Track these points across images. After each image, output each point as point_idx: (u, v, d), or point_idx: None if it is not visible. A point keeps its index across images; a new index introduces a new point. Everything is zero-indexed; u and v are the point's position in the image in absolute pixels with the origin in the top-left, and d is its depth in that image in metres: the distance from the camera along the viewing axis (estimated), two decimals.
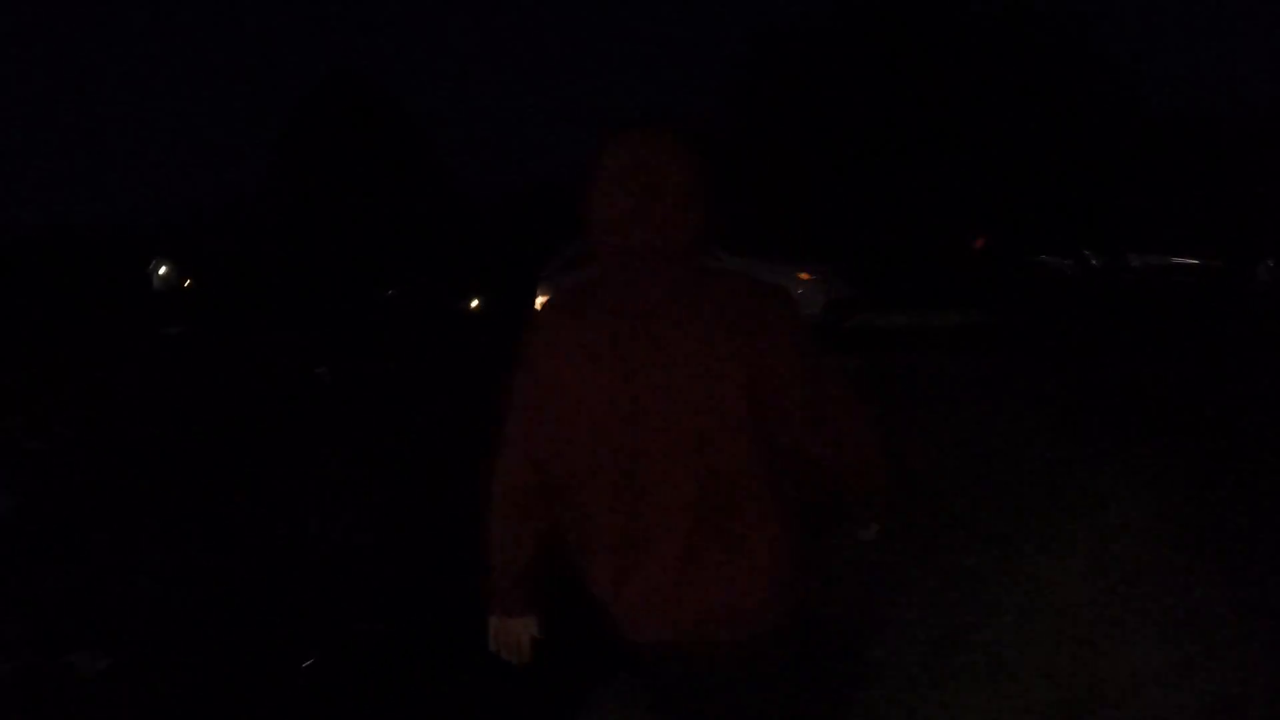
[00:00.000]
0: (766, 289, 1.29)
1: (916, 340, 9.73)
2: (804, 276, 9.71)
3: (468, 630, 1.62)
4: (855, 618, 2.84)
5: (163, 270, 41.97)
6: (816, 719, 1.85)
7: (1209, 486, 4.05)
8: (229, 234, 37.97)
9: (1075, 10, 24.92)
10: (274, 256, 32.33)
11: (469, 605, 1.60)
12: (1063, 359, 7.58)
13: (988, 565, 3.27)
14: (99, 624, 3.07)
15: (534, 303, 10.77)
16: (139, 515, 4.25)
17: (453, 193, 32.68)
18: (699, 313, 1.26)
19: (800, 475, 1.39)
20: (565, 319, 1.35)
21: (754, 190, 25.86)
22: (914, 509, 3.60)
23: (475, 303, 15.02)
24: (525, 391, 1.39)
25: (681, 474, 1.30)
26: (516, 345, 1.39)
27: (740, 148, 28.56)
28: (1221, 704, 2.30)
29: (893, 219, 21.04)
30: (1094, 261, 14.67)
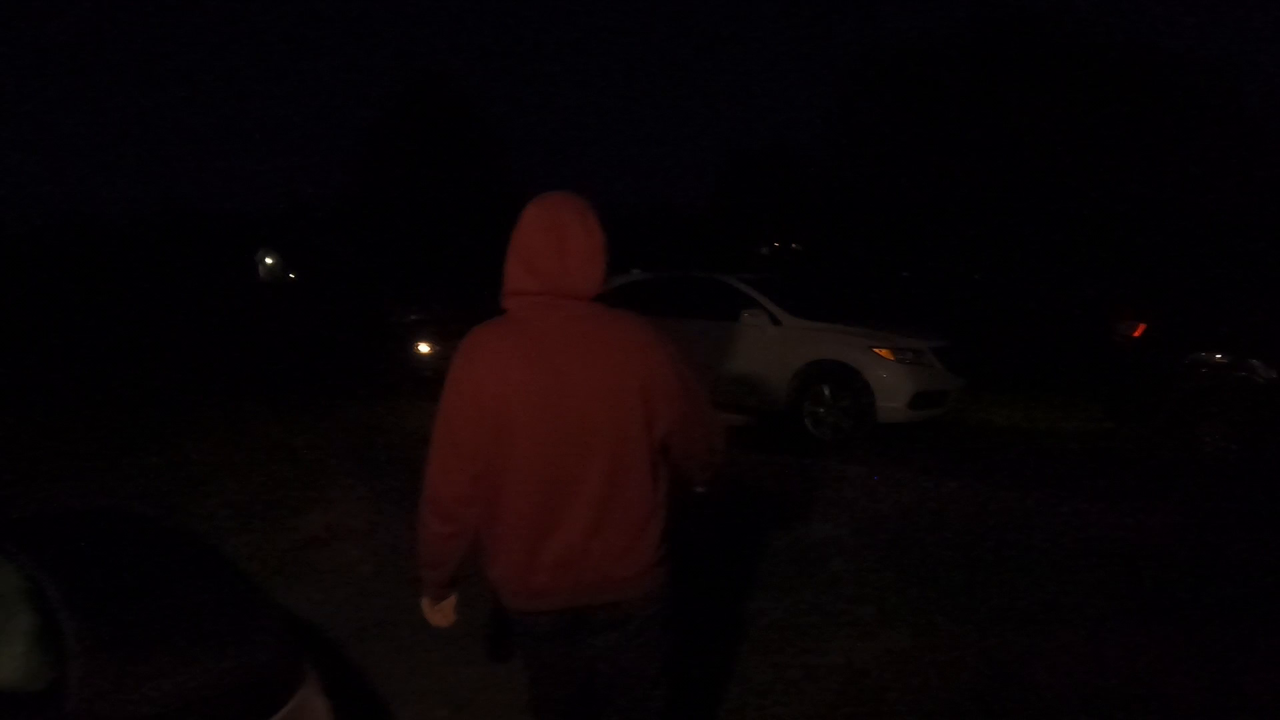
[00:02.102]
0: (649, 322, 1.95)
1: (1018, 449, 7.38)
2: (885, 354, 7.45)
3: None
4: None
5: (268, 261, 42.34)
6: (685, 669, 2.32)
7: None
8: (323, 227, 38.60)
9: (1225, 58, 23.05)
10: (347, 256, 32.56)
11: None
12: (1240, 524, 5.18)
13: None
14: None
15: None
16: None
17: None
18: (604, 338, 1.87)
19: (671, 462, 2.01)
20: (494, 343, 1.87)
21: (825, 237, 23.72)
22: None
23: None
24: (455, 406, 1.88)
25: (592, 467, 1.85)
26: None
27: (834, 184, 27.03)
28: None
29: (1009, 281, 18.60)
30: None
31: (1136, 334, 7.70)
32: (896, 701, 3.33)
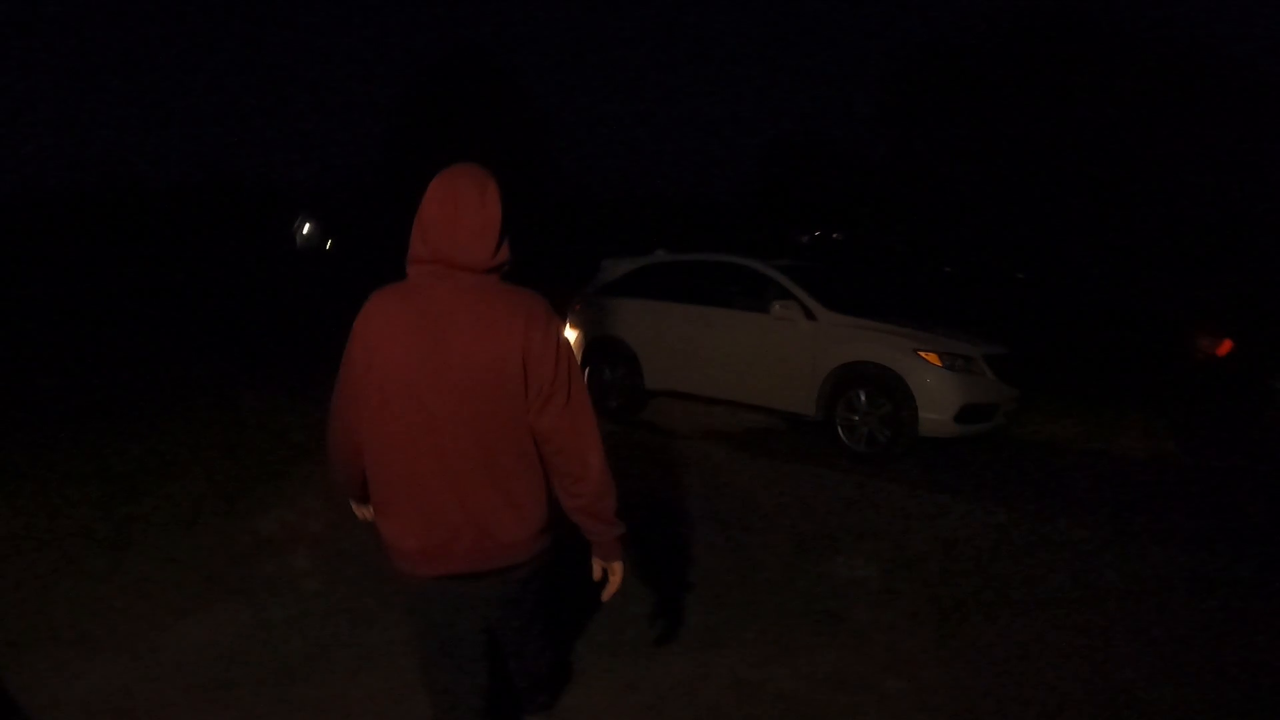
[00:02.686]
0: (538, 297, 2.01)
1: (1078, 472, 6.53)
2: (931, 359, 6.63)
3: None
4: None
5: (306, 229, 42.40)
6: (563, 630, 2.54)
7: None
8: (361, 197, 38.55)
9: None
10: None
11: None
12: None
13: None
14: None
15: (565, 318, 8.40)
16: None
17: (563, 185, 31.84)
18: (489, 310, 1.94)
19: (544, 451, 2.04)
20: (387, 307, 1.96)
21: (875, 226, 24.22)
22: None
23: None
24: (351, 362, 1.99)
25: (468, 431, 1.93)
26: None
27: (878, 175, 26.93)
28: None
29: (1065, 282, 17.53)
30: None
31: (1221, 352, 6.82)
32: None
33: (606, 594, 2.18)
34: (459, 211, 1.98)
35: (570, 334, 8.82)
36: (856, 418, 6.87)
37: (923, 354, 6.69)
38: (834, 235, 36.14)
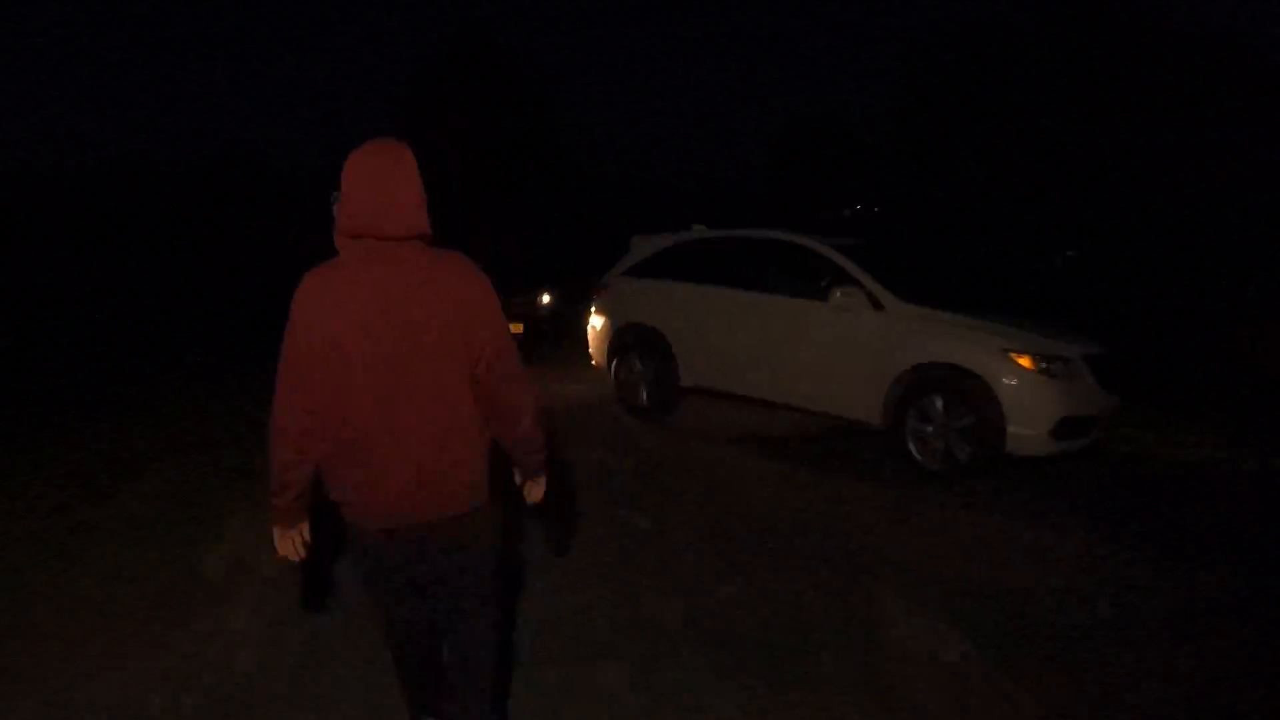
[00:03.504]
0: (472, 264, 2.17)
1: (1200, 499, 5.41)
2: (1023, 362, 5.56)
3: None
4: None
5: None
6: (503, 576, 2.53)
7: None
8: None
9: None
10: None
11: None
12: None
13: None
14: None
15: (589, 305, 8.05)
16: None
17: (572, 166, 32.93)
18: (430, 276, 2.08)
19: (483, 403, 2.20)
20: (323, 285, 2.05)
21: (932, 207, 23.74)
22: None
23: (545, 298, 11.62)
24: (292, 345, 2.05)
25: (410, 390, 2.08)
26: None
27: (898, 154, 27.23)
28: None
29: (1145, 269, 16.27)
30: None
31: None
32: None
33: (534, 496, 2.44)
34: (379, 183, 2.09)
35: (595, 320, 7.84)
36: (930, 429, 5.82)
37: (1014, 355, 5.61)
38: (875, 209, 36.00)
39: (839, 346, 6.17)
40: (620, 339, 7.57)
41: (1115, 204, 21.32)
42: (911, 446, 5.90)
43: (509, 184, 28.91)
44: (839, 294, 6.06)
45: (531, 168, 29.98)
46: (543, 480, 2.43)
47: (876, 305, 6.06)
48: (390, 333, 2.06)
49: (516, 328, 11.18)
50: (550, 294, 11.71)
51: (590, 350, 7.99)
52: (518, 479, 2.44)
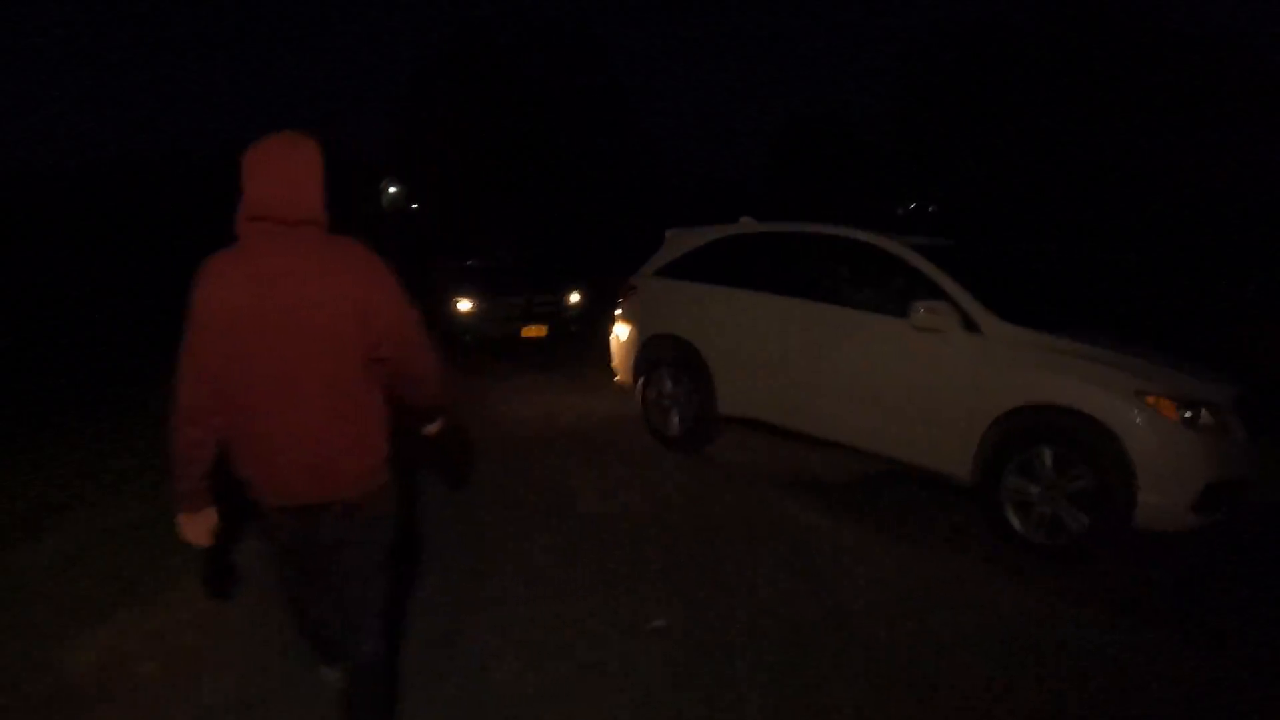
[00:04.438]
0: (361, 244, 2.24)
1: None
2: (1164, 409, 4.31)
3: None
4: None
5: (392, 190, 42.91)
6: (383, 575, 2.47)
7: None
8: (436, 161, 38.82)
9: None
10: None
11: None
12: None
13: None
14: None
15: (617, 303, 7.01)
16: None
17: (571, 167, 32.82)
18: (324, 261, 2.16)
19: (390, 380, 2.33)
20: (222, 268, 2.14)
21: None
22: None
23: (575, 298, 10.56)
24: (193, 326, 2.14)
25: (308, 373, 2.15)
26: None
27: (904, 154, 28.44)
28: None
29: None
30: None
31: None
32: None
33: (430, 430, 2.67)
34: (275, 170, 2.18)
35: (620, 329, 6.71)
36: (1035, 490, 4.59)
37: (1149, 399, 4.35)
38: (930, 208, 35.20)
39: (920, 377, 4.96)
40: (648, 353, 6.44)
41: (1115, 204, 21.75)
42: (1009, 512, 4.67)
43: (508, 184, 29.18)
44: (923, 310, 4.83)
45: (531, 168, 30.21)
46: (441, 420, 2.67)
47: (971, 326, 4.83)
48: (283, 314, 2.13)
49: (540, 330, 10.10)
50: (580, 293, 10.63)
51: (613, 364, 6.87)
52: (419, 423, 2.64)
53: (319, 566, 2.42)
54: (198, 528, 2.29)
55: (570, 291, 10.49)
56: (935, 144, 26.40)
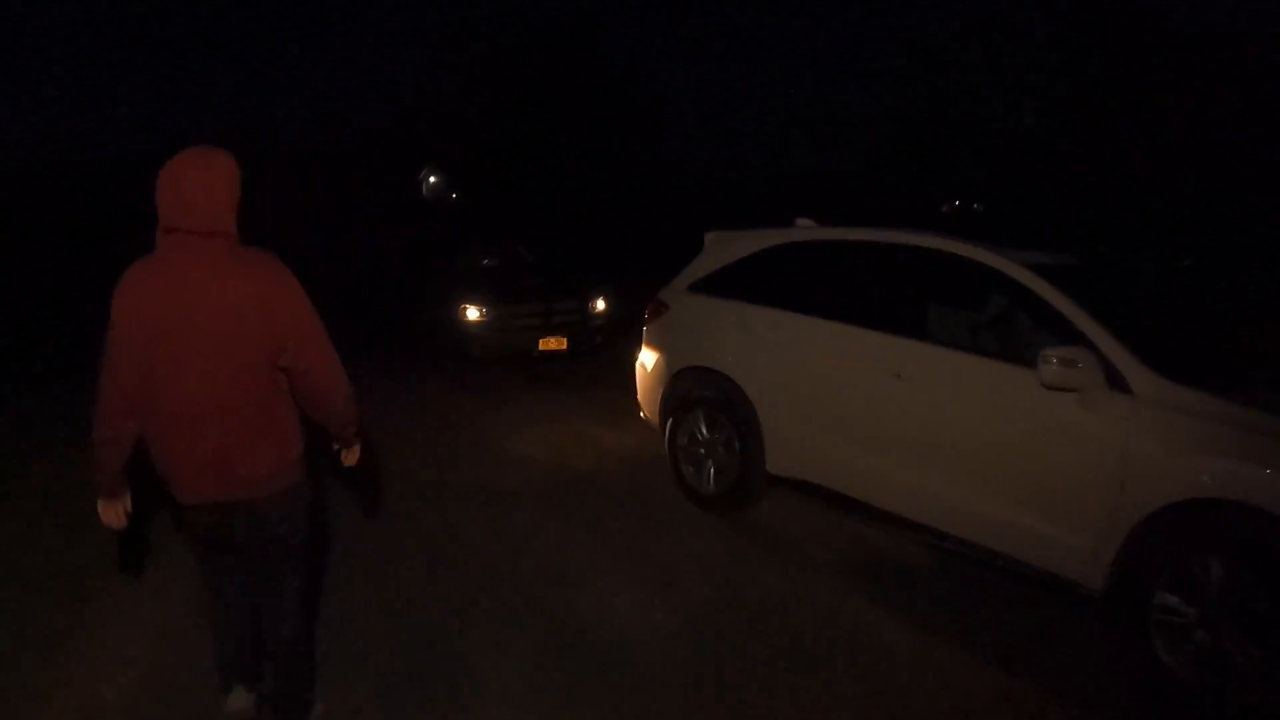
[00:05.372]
0: (270, 255, 2.40)
1: None
2: None
3: None
4: None
5: (432, 179, 43.19)
6: (300, 566, 2.70)
7: None
8: (479, 151, 38.86)
9: None
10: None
11: None
12: None
13: None
14: None
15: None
16: None
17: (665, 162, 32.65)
18: (230, 270, 2.30)
19: (297, 396, 2.46)
20: (138, 277, 2.31)
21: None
22: None
23: (600, 304, 9.50)
24: (114, 332, 2.29)
25: (217, 378, 2.30)
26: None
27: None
28: None
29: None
30: None
31: None
32: None
33: (349, 460, 2.80)
34: (184, 183, 2.32)
35: (647, 356, 5.61)
36: (1194, 613, 3.39)
37: None
38: (974, 205, 33.74)
39: (1044, 449, 3.77)
40: (680, 389, 5.32)
41: (1115, 203, 21.82)
42: (1157, 641, 3.47)
43: (508, 184, 29.07)
44: (1056, 361, 3.60)
45: (531, 168, 29.91)
46: (358, 447, 2.78)
47: (1117, 383, 3.62)
48: (190, 321, 2.28)
49: (559, 343, 9.02)
50: (607, 300, 9.53)
51: (639, 397, 5.76)
52: (335, 446, 2.75)
53: (233, 564, 2.66)
54: (113, 513, 2.51)
55: (596, 298, 9.39)
56: (936, 144, 26.89)
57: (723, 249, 5.51)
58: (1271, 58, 21.92)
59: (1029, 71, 24.50)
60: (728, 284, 5.32)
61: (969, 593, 4.21)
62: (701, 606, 3.94)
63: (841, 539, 4.79)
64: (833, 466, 4.58)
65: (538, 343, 8.88)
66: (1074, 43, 23.46)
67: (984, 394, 3.95)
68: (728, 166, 42.01)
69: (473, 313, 8.77)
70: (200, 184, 2.31)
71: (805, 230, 5.18)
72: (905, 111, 28.76)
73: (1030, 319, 3.94)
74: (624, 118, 31.45)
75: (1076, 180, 23.98)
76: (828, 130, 35.64)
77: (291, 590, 2.65)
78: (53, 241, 24.05)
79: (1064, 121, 25.15)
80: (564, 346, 8.96)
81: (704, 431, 5.19)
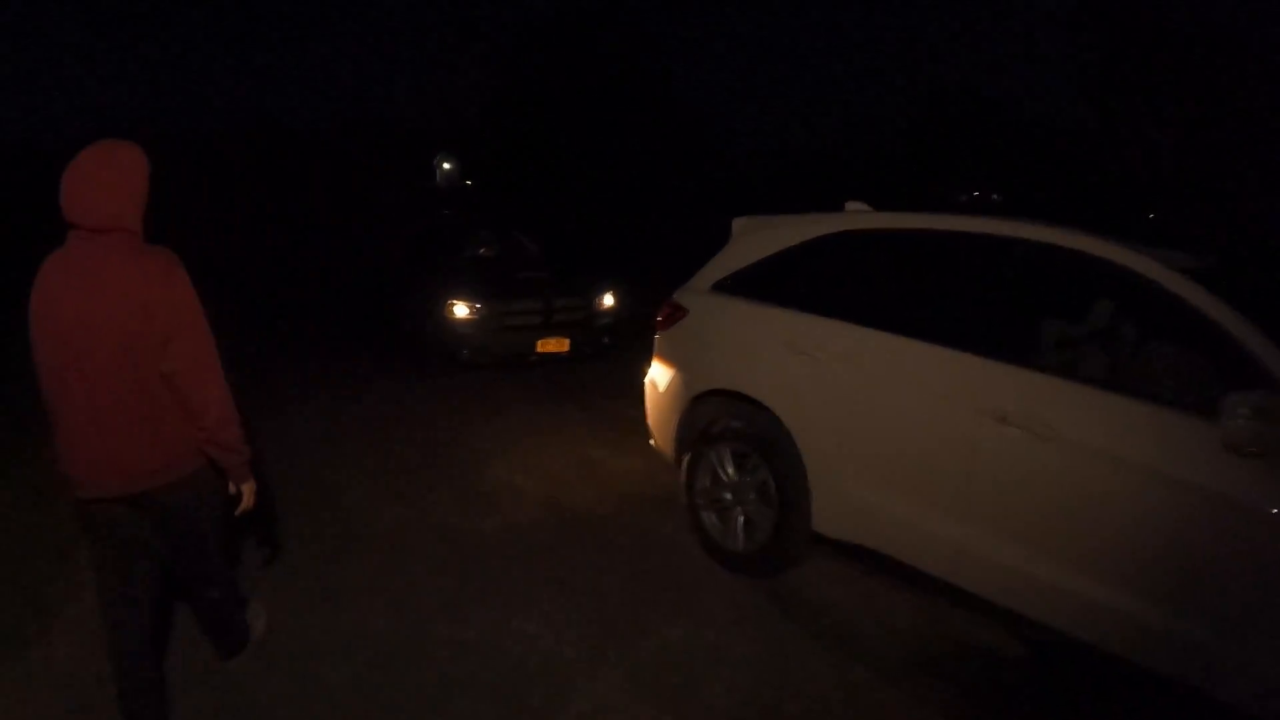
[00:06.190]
0: (165, 253, 2.40)
1: None
2: None
3: None
4: None
5: (446, 166, 43.41)
6: (216, 538, 2.72)
7: None
8: (493, 138, 37.92)
9: None
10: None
11: None
12: None
13: None
14: None
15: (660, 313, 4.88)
16: None
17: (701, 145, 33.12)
18: (121, 265, 2.31)
19: (166, 381, 2.39)
20: (46, 269, 2.35)
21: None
22: None
23: (608, 301, 8.48)
24: (30, 318, 2.33)
25: (108, 372, 2.31)
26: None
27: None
28: None
29: None
30: None
31: None
32: None
33: (240, 510, 2.69)
34: (84, 181, 2.34)
35: (659, 372, 4.59)
36: None
37: None
38: (993, 196, 34.38)
39: (1207, 536, 2.70)
40: (700, 417, 4.28)
41: (1116, 203, 22.51)
42: None
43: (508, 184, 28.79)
44: (1246, 409, 2.55)
45: (532, 168, 29.97)
46: (251, 488, 2.68)
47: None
48: (75, 316, 2.30)
49: (561, 344, 7.99)
50: (615, 296, 8.49)
51: (649, 422, 4.73)
52: (231, 489, 2.66)
53: (127, 557, 2.57)
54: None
55: (603, 294, 8.35)
56: (936, 143, 27.61)
57: (755, 239, 4.45)
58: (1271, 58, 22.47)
59: (1048, 59, 26.34)
60: (762, 284, 4.27)
61: (1086, 698, 3.17)
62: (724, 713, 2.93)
63: (905, 618, 3.75)
64: (902, 535, 3.51)
65: (535, 344, 7.85)
66: (1094, 31, 23.90)
67: (1124, 451, 2.88)
68: (748, 156, 41.77)
69: (461, 310, 7.73)
70: (98, 180, 2.34)
71: (862, 216, 4.13)
72: (919, 96, 30.83)
73: (1214, 352, 2.86)
74: (651, 103, 31.59)
75: (1101, 170, 24.49)
76: (840, 117, 36.44)
77: (215, 561, 2.75)
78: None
79: (1094, 110, 25.27)
80: (565, 349, 7.92)
81: (729, 472, 4.15)
